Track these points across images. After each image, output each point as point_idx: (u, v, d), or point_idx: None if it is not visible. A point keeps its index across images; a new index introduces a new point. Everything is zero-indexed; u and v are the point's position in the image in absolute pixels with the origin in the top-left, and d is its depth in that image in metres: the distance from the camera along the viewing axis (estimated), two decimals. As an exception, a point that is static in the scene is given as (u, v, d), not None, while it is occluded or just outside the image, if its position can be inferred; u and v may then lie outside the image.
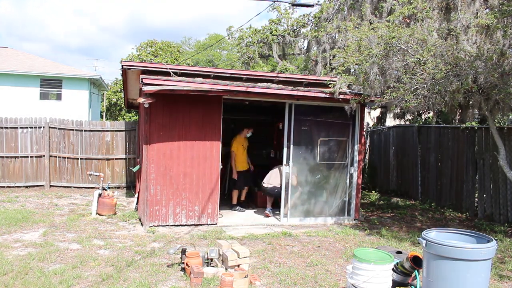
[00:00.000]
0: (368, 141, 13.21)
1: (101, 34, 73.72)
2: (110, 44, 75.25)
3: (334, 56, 9.30)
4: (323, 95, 7.55)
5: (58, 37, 72.75)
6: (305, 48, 13.08)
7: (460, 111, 9.27)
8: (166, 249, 5.81)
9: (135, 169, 9.47)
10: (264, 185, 8.36)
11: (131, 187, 11.46)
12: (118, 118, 25.34)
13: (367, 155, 13.18)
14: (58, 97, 21.24)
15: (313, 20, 12.57)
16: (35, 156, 10.98)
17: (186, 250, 5.08)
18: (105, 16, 74.88)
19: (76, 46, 72.23)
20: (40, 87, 20.72)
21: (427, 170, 10.29)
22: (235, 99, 7.71)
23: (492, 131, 7.34)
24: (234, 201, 8.82)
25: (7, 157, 10.80)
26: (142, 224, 7.28)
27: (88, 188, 11.08)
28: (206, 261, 5.06)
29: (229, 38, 14.49)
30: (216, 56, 37.72)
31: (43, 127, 10.96)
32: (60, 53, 70.39)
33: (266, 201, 8.46)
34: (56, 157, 11.09)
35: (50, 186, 11.05)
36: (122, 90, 12.90)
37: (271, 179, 8.30)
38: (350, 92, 7.74)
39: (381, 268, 3.90)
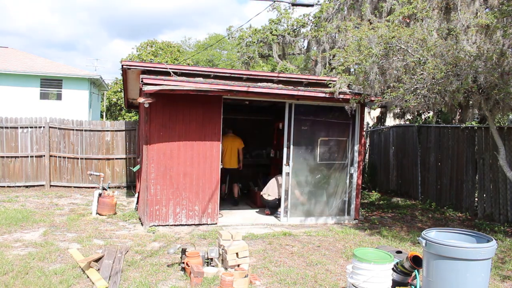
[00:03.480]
0: (368, 141, 13.21)
1: (81, 29, 73.12)
2: (94, 39, 74.92)
3: (334, 56, 9.30)
4: (323, 95, 7.55)
5: (37, 31, 72.00)
6: (305, 48, 13.09)
7: (460, 111, 9.28)
8: (166, 249, 5.82)
9: (135, 169, 9.48)
10: (264, 196, 8.38)
11: (131, 186, 11.46)
12: (118, 118, 25.35)
13: (367, 155, 13.18)
14: (58, 97, 21.24)
15: (313, 20, 12.58)
16: (35, 156, 10.98)
17: (186, 250, 5.09)
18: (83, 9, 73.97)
19: (55, 41, 71.71)
20: (40, 87, 20.72)
21: (427, 170, 10.30)
22: (235, 99, 7.72)
23: (492, 131, 7.34)
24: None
25: (7, 157, 10.80)
26: (142, 224, 7.28)
27: (88, 188, 11.08)
28: (206, 260, 5.07)
29: (229, 38, 14.50)
30: (216, 56, 37.72)
31: (43, 127, 10.97)
32: (41, 48, 69.78)
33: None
34: (56, 157, 11.09)
35: (50, 185, 11.06)
36: (122, 90, 12.91)
37: (269, 190, 8.34)
38: (350, 92, 7.74)
39: (381, 267, 3.90)
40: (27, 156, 10.93)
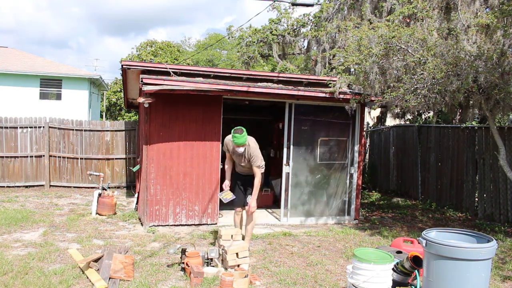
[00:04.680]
0: (368, 141, 13.20)
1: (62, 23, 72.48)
2: (84, 36, 74.36)
3: (334, 56, 9.30)
4: (323, 94, 7.54)
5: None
6: (305, 47, 13.09)
7: (460, 110, 9.27)
8: (166, 249, 5.81)
9: (135, 169, 9.47)
10: None
11: (131, 187, 11.46)
12: (118, 118, 25.35)
13: (367, 155, 13.18)
14: (58, 97, 21.22)
15: (313, 20, 12.58)
16: (35, 156, 10.97)
17: (186, 250, 5.08)
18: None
19: (46, 39, 71.18)
20: (40, 87, 20.70)
21: (427, 170, 10.29)
22: (235, 98, 7.71)
23: (492, 131, 7.34)
24: None
25: (7, 157, 10.79)
26: (142, 224, 7.27)
27: (88, 188, 11.07)
28: (206, 261, 5.06)
29: (229, 38, 14.50)
30: (216, 56, 37.72)
31: (43, 127, 10.96)
32: (29, 46, 69.17)
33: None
34: (56, 157, 11.08)
35: (50, 186, 11.04)
36: (122, 90, 12.90)
37: None
38: (350, 91, 7.74)
39: (381, 268, 3.89)
40: (27, 156, 10.92)
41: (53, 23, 72.25)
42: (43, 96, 20.90)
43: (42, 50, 71.54)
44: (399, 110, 11.10)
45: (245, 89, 7.12)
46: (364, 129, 9.33)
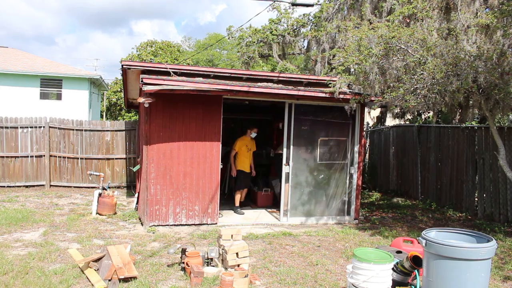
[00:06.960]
0: (368, 140, 13.20)
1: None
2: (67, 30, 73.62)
3: (334, 56, 9.30)
4: (323, 94, 7.55)
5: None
6: (305, 47, 13.09)
7: (460, 110, 9.27)
8: (166, 249, 5.82)
9: (135, 169, 9.48)
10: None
11: (131, 186, 11.46)
12: (118, 118, 25.35)
13: (367, 154, 13.18)
14: (58, 96, 21.21)
15: (313, 20, 12.59)
16: (35, 156, 10.98)
17: (186, 250, 5.09)
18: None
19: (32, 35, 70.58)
20: (40, 87, 20.69)
21: (427, 169, 10.29)
22: (235, 98, 7.72)
23: (492, 131, 7.34)
24: (236, 203, 8.58)
25: (7, 156, 10.80)
26: (142, 224, 7.28)
27: (88, 187, 11.08)
28: (206, 260, 5.07)
29: (229, 38, 14.51)
30: (216, 56, 37.71)
31: (43, 126, 10.96)
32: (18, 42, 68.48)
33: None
34: (56, 156, 11.09)
35: (50, 185, 11.05)
36: (122, 90, 12.91)
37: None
38: (350, 91, 7.74)
39: (381, 267, 3.90)
40: (27, 156, 10.93)
41: (34, 17, 71.57)
42: (43, 96, 20.89)
43: (28, 47, 71.10)
44: (399, 110, 11.10)
45: (245, 89, 7.13)
46: (364, 129, 9.34)
